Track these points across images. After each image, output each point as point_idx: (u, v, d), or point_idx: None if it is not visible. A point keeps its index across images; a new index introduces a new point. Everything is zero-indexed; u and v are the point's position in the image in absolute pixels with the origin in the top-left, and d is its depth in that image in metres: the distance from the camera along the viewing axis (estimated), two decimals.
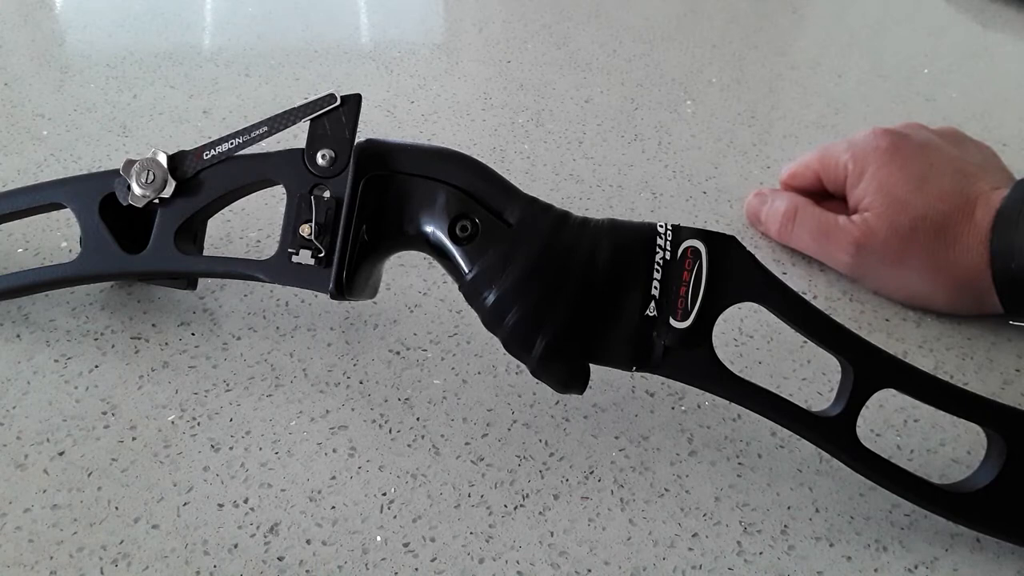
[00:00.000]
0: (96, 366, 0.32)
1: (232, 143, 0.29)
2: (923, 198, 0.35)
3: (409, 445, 0.29)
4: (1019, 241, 0.32)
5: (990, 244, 0.33)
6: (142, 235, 0.29)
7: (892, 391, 0.26)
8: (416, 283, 0.37)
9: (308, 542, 0.26)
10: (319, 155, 0.27)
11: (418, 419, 0.30)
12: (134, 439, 0.29)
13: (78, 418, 0.29)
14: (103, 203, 0.30)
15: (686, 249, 0.26)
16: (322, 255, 0.27)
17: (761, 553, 0.26)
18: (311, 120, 0.28)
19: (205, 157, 0.29)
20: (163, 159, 0.29)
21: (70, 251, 0.37)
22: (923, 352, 0.35)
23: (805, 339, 0.27)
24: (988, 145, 0.40)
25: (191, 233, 0.30)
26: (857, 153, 0.38)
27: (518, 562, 0.26)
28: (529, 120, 0.53)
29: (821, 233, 0.39)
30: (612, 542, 0.26)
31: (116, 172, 0.29)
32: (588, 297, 0.26)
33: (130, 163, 0.29)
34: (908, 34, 0.76)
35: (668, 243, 0.26)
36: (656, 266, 0.26)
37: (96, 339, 0.33)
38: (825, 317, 0.26)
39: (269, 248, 0.38)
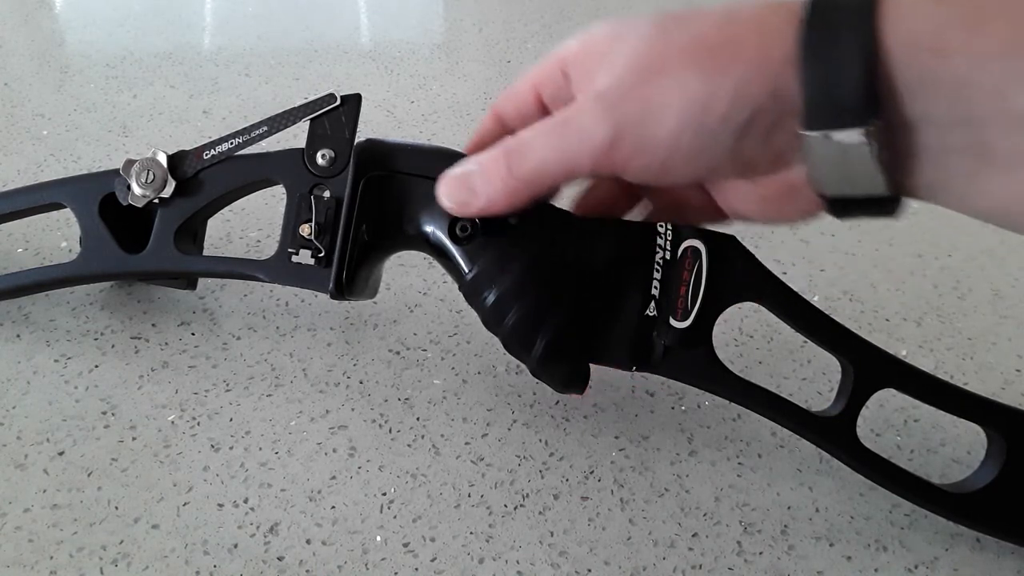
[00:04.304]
0: (96, 366, 0.32)
1: (232, 143, 0.29)
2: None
3: (409, 445, 0.29)
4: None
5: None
6: (142, 235, 0.29)
7: (892, 391, 0.26)
8: (416, 283, 0.37)
9: (308, 542, 0.26)
10: (319, 155, 0.27)
11: (418, 419, 0.30)
12: (134, 439, 0.29)
13: (78, 418, 0.29)
14: (103, 203, 0.30)
15: (686, 249, 0.25)
16: (322, 255, 0.27)
17: (761, 553, 0.26)
18: (311, 120, 0.28)
19: (205, 157, 0.29)
20: (163, 159, 0.29)
21: (70, 251, 0.37)
22: (923, 352, 0.35)
23: (805, 339, 0.27)
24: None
25: (191, 233, 0.30)
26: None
27: (518, 562, 0.26)
28: None
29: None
30: (612, 542, 0.26)
31: (116, 172, 0.29)
32: (588, 297, 0.26)
33: (130, 163, 0.29)
34: None
35: (668, 243, 0.26)
36: (656, 266, 0.26)
37: (96, 339, 0.33)
38: (825, 317, 0.26)
39: (269, 248, 0.38)
